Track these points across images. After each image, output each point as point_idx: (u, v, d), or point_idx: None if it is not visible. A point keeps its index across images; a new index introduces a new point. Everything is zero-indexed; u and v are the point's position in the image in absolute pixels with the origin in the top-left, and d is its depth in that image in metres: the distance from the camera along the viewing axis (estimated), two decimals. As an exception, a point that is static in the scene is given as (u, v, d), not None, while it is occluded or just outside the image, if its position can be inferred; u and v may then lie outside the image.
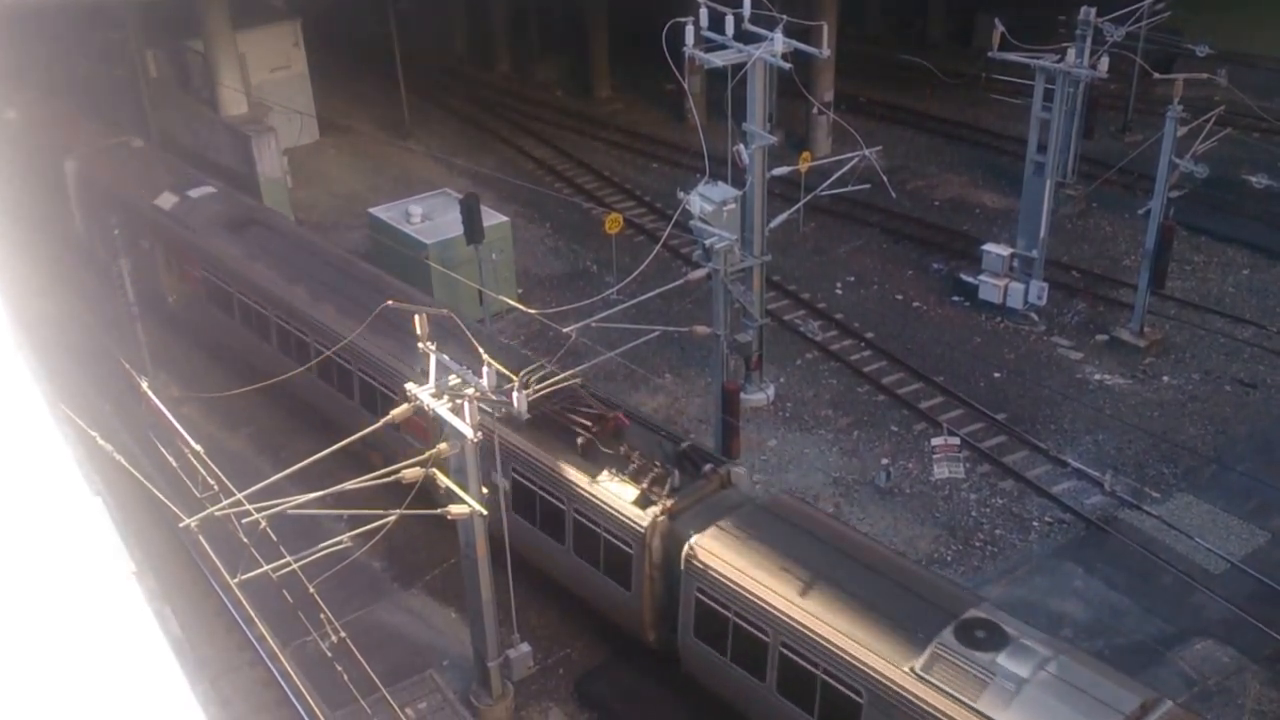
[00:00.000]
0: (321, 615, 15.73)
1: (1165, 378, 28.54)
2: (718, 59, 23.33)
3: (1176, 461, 25.54)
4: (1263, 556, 22.96)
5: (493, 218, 29.99)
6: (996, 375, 28.80)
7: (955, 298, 32.11)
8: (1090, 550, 23.38)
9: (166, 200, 29.49)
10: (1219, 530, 23.67)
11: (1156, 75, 32.00)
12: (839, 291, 32.93)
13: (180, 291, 29.55)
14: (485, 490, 17.40)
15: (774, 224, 25.94)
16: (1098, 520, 24.04)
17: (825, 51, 24.64)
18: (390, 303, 21.06)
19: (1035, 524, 24.15)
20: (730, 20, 23.26)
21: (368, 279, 26.20)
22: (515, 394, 16.21)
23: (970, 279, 31.63)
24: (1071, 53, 28.57)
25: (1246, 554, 23.05)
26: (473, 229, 27.10)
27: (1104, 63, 28.39)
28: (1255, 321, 30.47)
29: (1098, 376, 28.69)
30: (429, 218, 30.78)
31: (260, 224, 28.97)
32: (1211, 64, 34.51)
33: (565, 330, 20.18)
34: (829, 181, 25.31)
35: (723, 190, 23.70)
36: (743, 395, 26.24)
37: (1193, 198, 30.40)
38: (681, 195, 23.57)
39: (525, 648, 19.20)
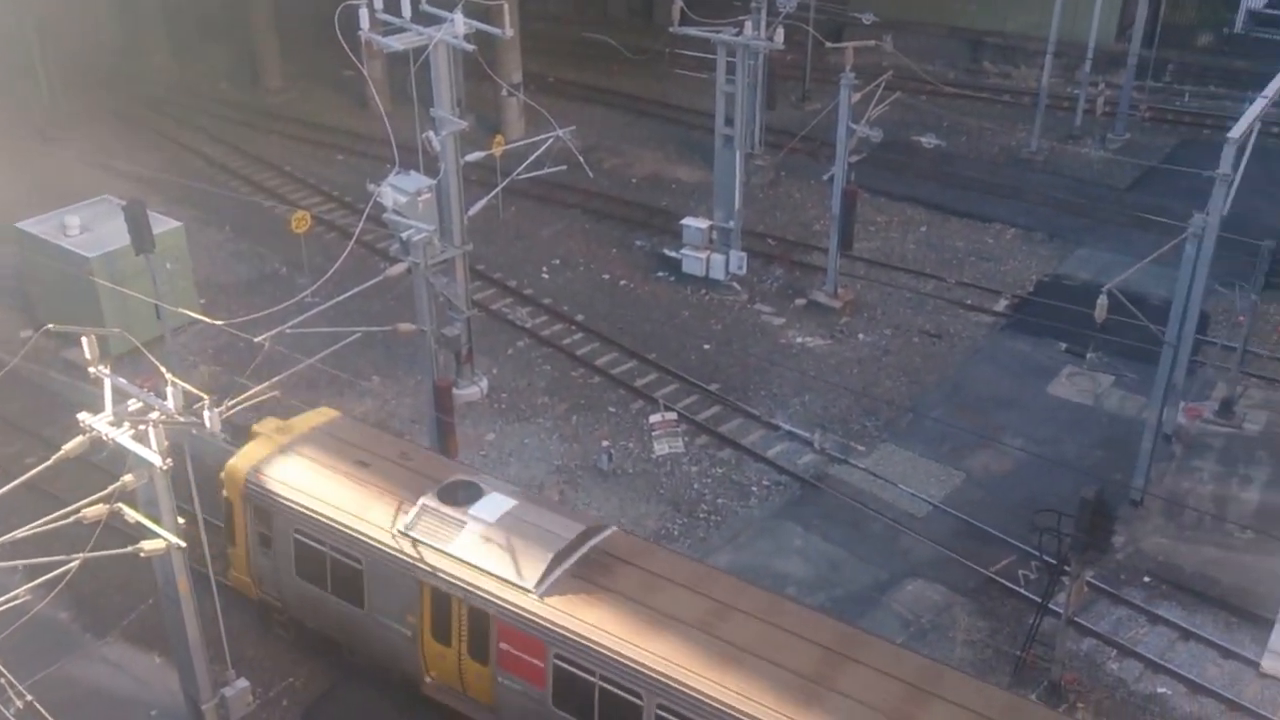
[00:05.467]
0: (1, 680, 14.00)
1: (860, 335, 29.87)
2: (396, 43, 22.32)
3: (877, 414, 26.77)
4: (960, 496, 24.42)
5: (163, 223, 28.13)
6: (706, 347, 29.28)
7: (660, 273, 32.46)
8: (807, 508, 24.14)
9: None
10: (919, 475, 25.00)
11: (829, 44, 33.38)
12: (545, 276, 32.63)
13: None
14: (181, 521, 15.94)
15: (472, 211, 25.16)
16: (811, 479, 24.84)
17: (508, 31, 24.08)
18: (50, 326, 19.05)
19: (754, 489, 24.67)
20: (407, 1, 22.30)
21: None
22: (207, 413, 14.84)
23: (673, 253, 32.10)
24: (749, 25, 29.29)
25: (945, 495, 24.47)
26: (141, 237, 24.96)
27: (779, 34, 29.37)
28: (935, 275, 32.43)
29: (800, 339, 29.69)
30: (89, 228, 28.62)
31: None
32: (877, 31, 36.37)
33: (257, 340, 18.77)
34: (525, 164, 24.82)
35: (416, 180, 22.80)
36: (455, 391, 25.38)
37: (871, 161, 31.96)
38: (372, 187, 22.50)
39: (243, 683, 18.08)
